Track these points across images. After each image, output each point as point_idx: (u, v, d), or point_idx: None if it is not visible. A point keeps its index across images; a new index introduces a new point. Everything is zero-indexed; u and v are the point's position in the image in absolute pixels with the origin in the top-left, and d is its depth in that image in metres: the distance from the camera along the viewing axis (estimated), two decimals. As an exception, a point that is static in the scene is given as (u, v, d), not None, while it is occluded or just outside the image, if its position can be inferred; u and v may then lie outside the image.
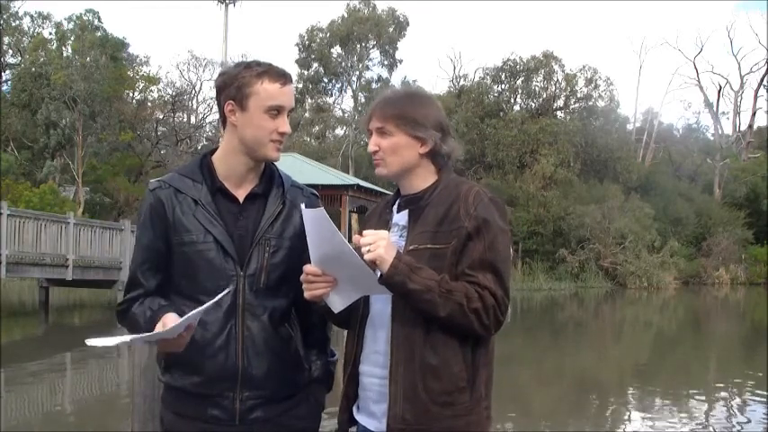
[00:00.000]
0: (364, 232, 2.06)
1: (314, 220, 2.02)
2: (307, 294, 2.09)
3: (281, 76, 2.20)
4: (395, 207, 2.26)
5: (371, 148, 2.20)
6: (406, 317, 2.07)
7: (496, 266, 2.05)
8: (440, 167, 2.21)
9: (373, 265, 2.01)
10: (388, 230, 2.20)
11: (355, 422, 2.23)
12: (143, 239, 2.26)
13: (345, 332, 2.31)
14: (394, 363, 2.08)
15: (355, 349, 2.20)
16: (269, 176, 2.31)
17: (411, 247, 2.10)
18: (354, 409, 2.23)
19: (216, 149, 2.32)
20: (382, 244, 2.01)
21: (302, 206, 2.09)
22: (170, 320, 2.08)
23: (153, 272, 2.26)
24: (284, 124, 2.21)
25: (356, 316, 2.20)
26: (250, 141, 2.21)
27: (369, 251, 2.00)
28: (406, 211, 2.20)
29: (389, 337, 2.10)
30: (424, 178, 2.20)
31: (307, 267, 2.07)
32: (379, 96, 2.27)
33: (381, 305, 2.14)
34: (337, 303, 2.10)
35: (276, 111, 2.19)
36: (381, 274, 2.01)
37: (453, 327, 2.03)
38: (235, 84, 2.20)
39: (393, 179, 2.24)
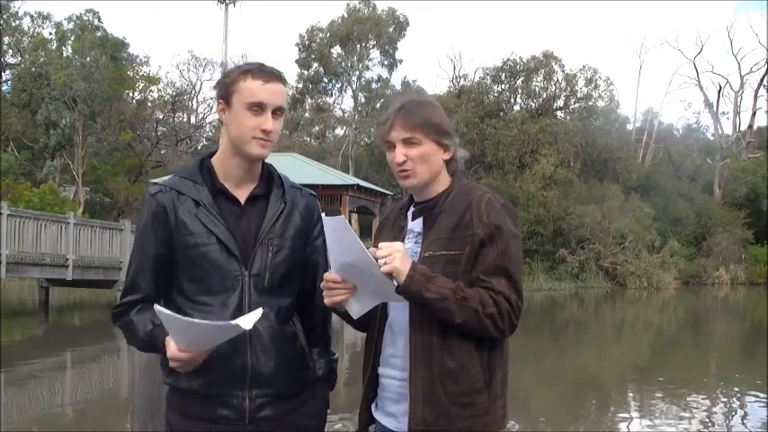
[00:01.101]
0: (380, 245, 2.10)
1: (334, 227, 2.05)
2: (327, 301, 2.13)
3: (266, 74, 2.20)
4: (409, 214, 2.29)
5: (399, 159, 2.18)
6: (422, 323, 2.11)
7: (510, 271, 2.11)
8: (452, 173, 2.25)
9: (390, 276, 2.05)
10: (403, 237, 2.25)
11: (374, 421, 2.27)
12: (143, 244, 2.26)
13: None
14: (413, 367, 2.12)
15: (374, 352, 2.25)
16: (268, 178, 2.32)
17: (426, 254, 2.14)
18: (373, 407, 2.27)
19: (215, 152, 2.33)
20: (398, 256, 2.04)
21: (323, 215, 2.12)
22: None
23: (152, 277, 2.26)
24: (267, 122, 2.19)
25: (375, 320, 2.24)
26: (235, 139, 2.23)
27: (385, 263, 2.04)
28: (421, 218, 2.23)
29: (408, 343, 2.14)
30: (440, 184, 2.24)
31: (327, 275, 2.12)
32: (395, 106, 2.25)
33: (399, 311, 2.18)
34: (356, 309, 2.15)
35: (258, 107, 2.19)
36: (398, 285, 2.05)
37: (469, 332, 2.08)
38: (224, 83, 2.23)
39: (420, 189, 2.25)
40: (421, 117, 2.18)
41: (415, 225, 2.24)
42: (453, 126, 2.26)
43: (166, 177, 2.36)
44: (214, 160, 2.30)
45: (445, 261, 2.10)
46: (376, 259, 2.05)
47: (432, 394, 2.09)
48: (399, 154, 2.18)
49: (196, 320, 2.08)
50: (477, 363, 2.11)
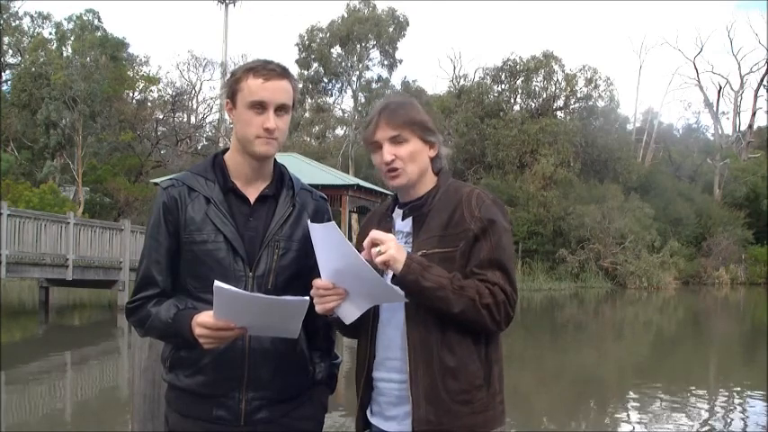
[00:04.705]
0: (372, 232, 2.07)
1: (323, 234, 2.02)
2: (318, 308, 2.08)
3: (268, 72, 2.18)
4: (394, 214, 2.27)
5: (388, 158, 2.16)
6: (419, 320, 2.10)
7: (504, 264, 2.11)
8: (438, 171, 2.25)
9: (385, 266, 2.02)
10: None
11: (369, 427, 2.24)
12: (157, 237, 2.24)
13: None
14: (413, 366, 2.10)
15: (368, 356, 2.22)
16: (279, 178, 2.31)
17: (419, 253, 2.12)
18: (368, 413, 2.24)
19: (228, 149, 2.33)
20: (393, 245, 2.03)
21: (308, 222, 2.10)
22: (205, 317, 2.07)
23: (167, 270, 2.24)
24: (269, 120, 2.17)
25: (366, 325, 2.21)
26: (241, 138, 2.23)
27: (380, 252, 2.01)
28: (410, 218, 2.21)
29: (405, 342, 2.12)
30: (427, 183, 2.23)
31: (317, 282, 2.07)
32: (379, 107, 2.24)
33: (391, 312, 2.16)
34: (349, 314, 2.11)
35: (260, 106, 2.17)
36: (394, 275, 2.03)
37: (467, 323, 2.07)
38: (229, 81, 2.23)
39: (408, 188, 2.22)
40: (405, 115, 2.18)
41: (404, 226, 2.22)
42: (435, 124, 2.26)
43: (181, 173, 2.34)
44: (226, 157, 2.30)
45: (439, 258, 2.09)
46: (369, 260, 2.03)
47: (433, 393, 2.08)
48: (387, 153, 2.17)
49: (259, 295, 2.06)
50: (475, 359, 2.11)
